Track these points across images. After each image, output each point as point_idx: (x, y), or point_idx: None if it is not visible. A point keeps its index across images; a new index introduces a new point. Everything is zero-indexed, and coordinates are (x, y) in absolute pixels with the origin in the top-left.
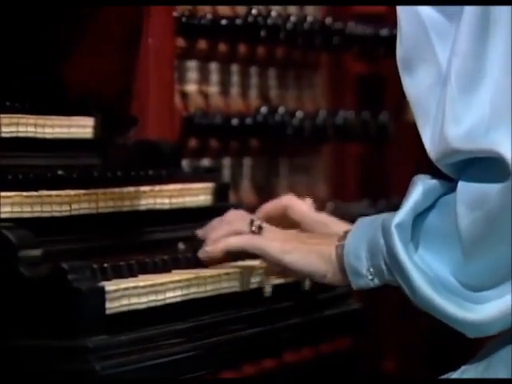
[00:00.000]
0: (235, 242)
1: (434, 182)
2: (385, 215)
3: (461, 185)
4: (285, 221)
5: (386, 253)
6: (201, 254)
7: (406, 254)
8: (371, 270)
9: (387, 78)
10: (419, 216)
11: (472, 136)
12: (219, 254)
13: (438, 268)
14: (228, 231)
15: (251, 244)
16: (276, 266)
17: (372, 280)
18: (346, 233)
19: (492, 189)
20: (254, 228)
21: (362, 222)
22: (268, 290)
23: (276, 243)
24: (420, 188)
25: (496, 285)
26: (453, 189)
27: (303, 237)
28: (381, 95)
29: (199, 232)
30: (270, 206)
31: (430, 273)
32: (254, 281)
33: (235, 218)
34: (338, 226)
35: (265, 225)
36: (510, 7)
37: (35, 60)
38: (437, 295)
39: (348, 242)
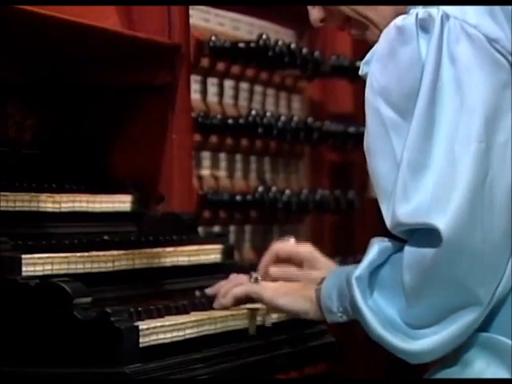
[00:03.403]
0: (239, 290)
1: (387, 243)
2: (350, 268)
3: (406, 248)
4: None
5: (349, 298)
6: (216, 305)
7: (362, 299)
8: (340, 309)
9: (354, 165)
10: (376, 269)
11: (417, 213)
12: (230, 304)
13: (388, 310)
14: (234, 283)
15: (251, 290)
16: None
17: (341, 317)
18: (323, 279)
19: (428, 253)
20: (252, 280)
21: (334, 271)
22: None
23: (270, 291)
24: (375, 249)
25: (431, 325)
26: (402, 248)
27: (289, 285)
28: (349, 178)
29: (208, 290)
30: (266, 261)
31: (380, 314)
32: (258, 319)
33: (238, 276)
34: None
35: (260, 279)
36: (451, 112)
37: (88, 151)
38: (384, 331)
39: (323, 286)
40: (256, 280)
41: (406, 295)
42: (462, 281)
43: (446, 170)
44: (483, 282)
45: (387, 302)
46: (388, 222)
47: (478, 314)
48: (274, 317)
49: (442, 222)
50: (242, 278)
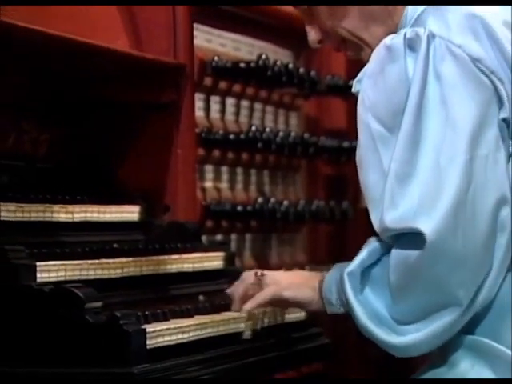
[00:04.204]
0: (266, 297)
1: (378, 244)
2: (346, 264)
3: (392, 251)
4: None
5: (342, 291)
6: (236, 309)
7: (352, 294)
8: (338, 301)
9: (347, 177)
10: (367, 268)
11: (403, 219)
12: (253, 309)
13: (376, 305)
14: (244, 288)
15: (275, 294)
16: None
17: (339, 308)
18: (328, 271)
19: (412, 254)
20: (258, 275)
21: (336, 266)
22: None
23: (284, 285)
24: (366, 249)
25: (414, 322)
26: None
27: (298, 274)
28: (343, 189)
29: (228, 290)
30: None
31: (368, 307)
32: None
33: (246, 275)
34: None
35: (266, 272)
36: (437, 127)
37: (99, 165)
38: (371, 324)
39: (325, 279)
40: (262, 275)
41: (391, 293)
42: (442, 282)
43: (432, 180)
44: (463, 284)
45: (376, 297)
46: (376, 228)
47: (458, 314)
48: (272, 320)
49: (427, 226)
50: (250, 275)
